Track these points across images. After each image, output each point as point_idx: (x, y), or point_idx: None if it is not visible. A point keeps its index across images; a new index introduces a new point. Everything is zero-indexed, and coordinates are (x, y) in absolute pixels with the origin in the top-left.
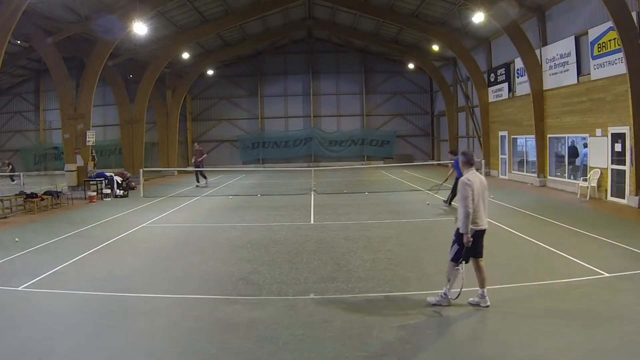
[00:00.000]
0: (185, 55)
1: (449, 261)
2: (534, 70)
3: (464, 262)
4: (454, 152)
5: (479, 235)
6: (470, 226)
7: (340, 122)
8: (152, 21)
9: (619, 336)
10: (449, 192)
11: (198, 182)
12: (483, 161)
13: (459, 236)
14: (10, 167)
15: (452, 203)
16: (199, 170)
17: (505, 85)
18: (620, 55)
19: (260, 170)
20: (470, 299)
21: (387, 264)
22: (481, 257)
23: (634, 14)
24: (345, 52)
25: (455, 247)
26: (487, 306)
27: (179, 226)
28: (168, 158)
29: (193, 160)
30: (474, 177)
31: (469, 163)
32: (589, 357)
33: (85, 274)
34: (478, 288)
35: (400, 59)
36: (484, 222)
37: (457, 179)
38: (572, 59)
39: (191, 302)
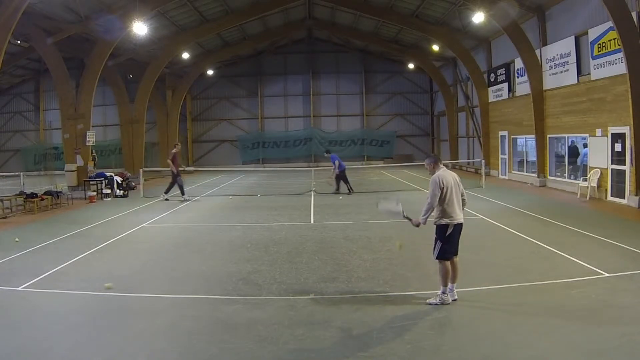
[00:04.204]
0: (185, 55)
1: (437, 260)
2: (534, 70)
3: (448, 259)
4: (328, 152)
5: (457, 230)
6: (447, 220)
7: (340, 122)
8: (152, 21)
9: (619, 336)
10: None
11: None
12: (483, 161)
13: (439, 233)
14: None
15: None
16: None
17: (505, 85)
18: (620, 55)
19: (260, 170)
20: (430, 299)
21: (387, 264)
22: (457, 254)
23: (634, 14)
24: (345, 52)
25: (439, 244)
26: (455, 300)
27: (179, 226)
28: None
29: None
30: (444, 173)
31: (437, 162)
32: (589, 357)
33: (85, 274)
34: (479, 288)
35: (400, 59)
36: (459, 217)
37: (338, 175)
38: (572, 59)
39: (191, 302)
